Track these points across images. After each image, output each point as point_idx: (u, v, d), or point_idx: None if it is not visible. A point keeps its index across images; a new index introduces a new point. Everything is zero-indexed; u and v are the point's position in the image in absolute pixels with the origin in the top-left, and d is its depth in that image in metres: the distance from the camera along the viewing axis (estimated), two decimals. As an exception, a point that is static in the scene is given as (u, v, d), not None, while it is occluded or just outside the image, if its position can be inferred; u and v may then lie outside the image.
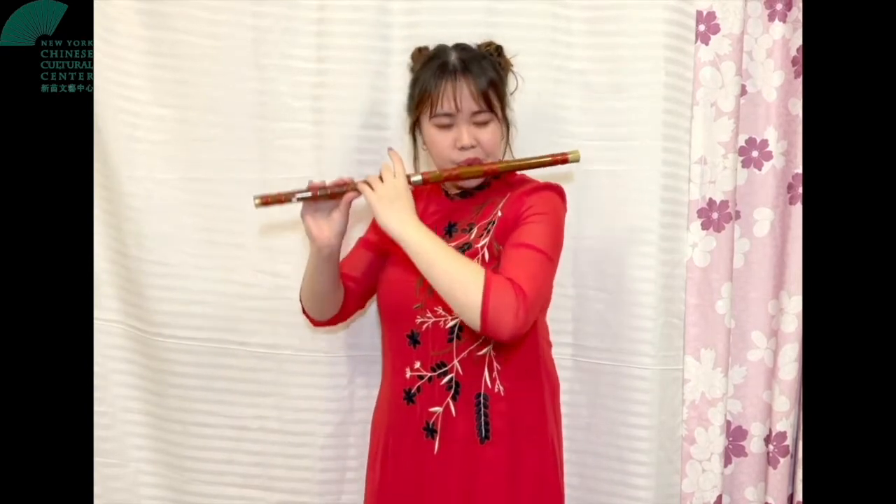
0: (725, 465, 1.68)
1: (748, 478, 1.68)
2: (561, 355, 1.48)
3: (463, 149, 1.31)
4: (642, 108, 1.57)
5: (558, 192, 1.35)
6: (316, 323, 1.48)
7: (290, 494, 1.66)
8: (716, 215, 1.62)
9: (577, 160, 1.33)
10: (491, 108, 1.31)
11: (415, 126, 1.39)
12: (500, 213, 1.32)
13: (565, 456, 1.48)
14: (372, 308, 1.62)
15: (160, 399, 1.66)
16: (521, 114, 1.44)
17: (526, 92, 1.47)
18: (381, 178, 1.27)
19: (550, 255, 1.25)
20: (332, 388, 1.64)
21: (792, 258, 1.63)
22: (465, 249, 1.30)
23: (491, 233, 1.31)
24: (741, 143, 1.65)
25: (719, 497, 1.66)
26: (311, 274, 1.38)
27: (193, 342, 1.62)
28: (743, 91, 1.64)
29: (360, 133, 1.59)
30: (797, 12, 1.61)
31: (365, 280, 1.45)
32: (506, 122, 1.38)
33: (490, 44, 1.37)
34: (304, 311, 1.47)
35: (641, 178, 1.58)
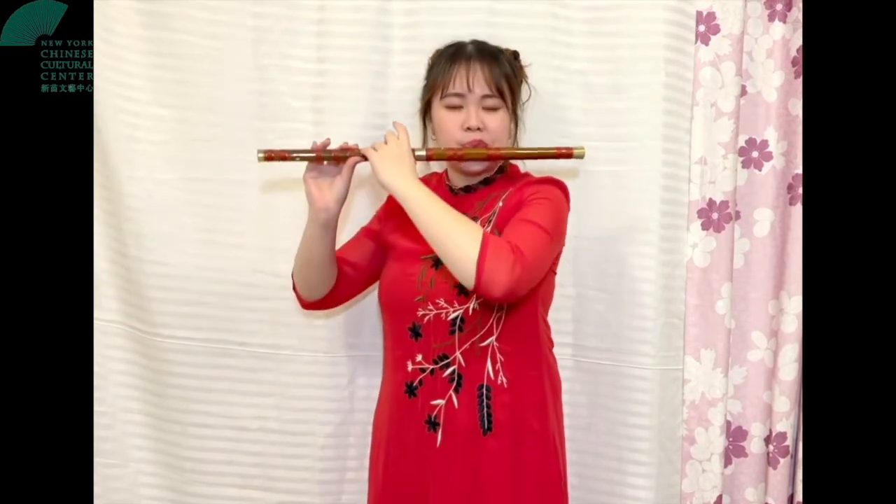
0: (725, 466, 1.68)
1: (748, 478, 1.68)
2: (561, 355, 1.48)
3: (469, 130, 1.32)
4: (642, 108, 1.57)
5: (561, 186, 1.36)
6: (305, 304, 1.46)
7: (290, 494, 1.66)
8: (716, 215, 1.62)
9: (581, 156, 1.34)
10: (501, 96, 1.33)
11: (425, 113, 1.40)
12: (501, 204, 1.33)
13: (565, 456, 1.48)
14: (372, 308, 1.62)
15: (160, 399, 1.66)
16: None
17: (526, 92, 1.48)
18: (385, 143, 1.29)
19: (551, 234, 1.25)
20: (332, 388, 1.64)
21: (792, 258, 1.63)
22: None
23: (493, 223, 1.32)
24: (741, 143, 1.65)
25: (719, 497, 1.66)
26: (306, 241, 1.38)
27: (193, 342, 1.62)
28: (743, 91, 1.64)
29: (360, 133, 1.59)
30: (797, 12, 1.61)
31: (363, 267, 1.45)
32: (515, 118, 1.39)
33: (507, 49, 1.40)
34: (294, 289, 1.46)
35: (641, 179, 1.58)
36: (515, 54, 1.42)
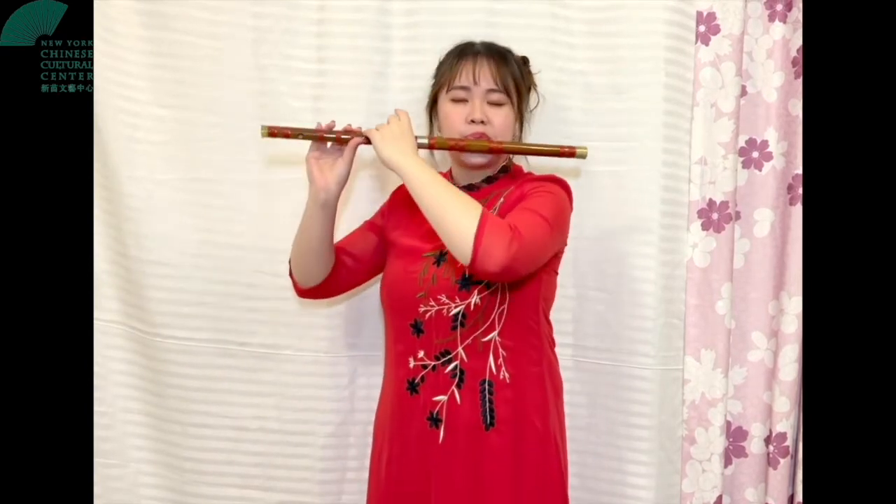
0: (725, 466, 1.68)
1: (748, 478, 1.68)
2: (561, 355, 1.48)
3: (473, 122, 1.33)
4: (642, 108, 1.57)
5: (563, 185, 1.36)
6: (300, 291, 1.46)
7: (290, 495, 1.66)
8: (716, 216, 1.62)
9: (583, 156, 1.34)
10: (507, 92, 1.34)
11: (432, 108, 1.42)
12: (503, 201, 1.34)
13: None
14: (372, 307, 1.62)
15: (160, 399, 1.66)
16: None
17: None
18: (388, 124, 1.31)
19: (551, 223, 1.25)
20: (333, 388, 1.64)
21: (792, 259, 1.63)
22: None
23: None
24: (741, 143, 1.65)
25: (719, 497, 1.66)
26: (304, 223, 1.38)
27: (193, 343, 1.62)
28: (743, 92, 1.64)
29: (360, 133, 1.60)
30: (797, 13, 1.61)
31: (363, 258, 1.45)
32: (521, 119, 1.40)
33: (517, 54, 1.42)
34: (291, 275, 1.46)
35: (642, 179, 1.58)
36: (525, 59, 1.43)
